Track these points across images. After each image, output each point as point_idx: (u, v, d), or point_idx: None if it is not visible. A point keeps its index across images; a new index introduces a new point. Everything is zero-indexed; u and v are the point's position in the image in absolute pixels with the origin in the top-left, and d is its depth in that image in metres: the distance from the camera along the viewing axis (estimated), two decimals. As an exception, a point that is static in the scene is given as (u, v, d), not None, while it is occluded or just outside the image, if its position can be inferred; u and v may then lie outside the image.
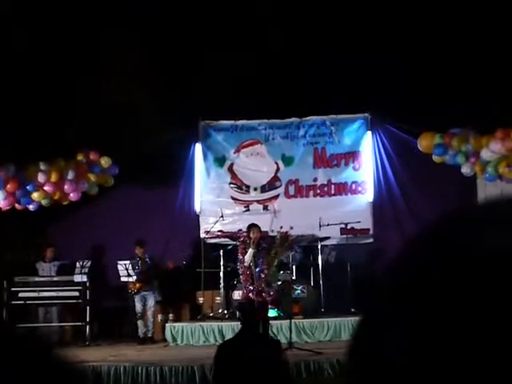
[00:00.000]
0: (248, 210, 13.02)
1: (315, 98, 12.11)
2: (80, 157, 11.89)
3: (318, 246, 11.93)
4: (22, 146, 11.18)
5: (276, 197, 13.04)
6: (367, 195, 12.81)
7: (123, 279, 11.62)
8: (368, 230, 12.60)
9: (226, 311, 11.47)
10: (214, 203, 12.99)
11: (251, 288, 9.49)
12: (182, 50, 11.63)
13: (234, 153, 13.21)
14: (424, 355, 0.58)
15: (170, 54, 11.67)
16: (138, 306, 11.59)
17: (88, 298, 11.36)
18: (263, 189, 13.11)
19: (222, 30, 11.06)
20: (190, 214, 13.02)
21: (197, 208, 13.06)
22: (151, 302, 11.63)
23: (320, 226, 12.09)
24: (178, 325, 11.23)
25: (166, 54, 11.67)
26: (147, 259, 11.77)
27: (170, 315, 11.78)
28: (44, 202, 11.59)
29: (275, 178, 13.11)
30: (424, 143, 11.64)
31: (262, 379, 2.11)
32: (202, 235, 12.65)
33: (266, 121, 13.12)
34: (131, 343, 11.15)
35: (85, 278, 11.31)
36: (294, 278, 11.46)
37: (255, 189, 13.11)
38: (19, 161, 11.30)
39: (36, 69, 11.14)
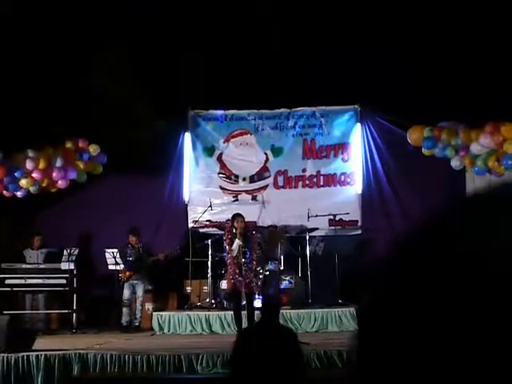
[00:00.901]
0: (237, 200, 13.02)
1: (305, 89, 12.11)
2: (68, 144, 11.83)
3: (306, 237, 11.94)
4: (11, 133, 11.11)
5: (265, 187, 13.03)
6: (356, 187, 12.82)
7: (111, 267, 11.61)
8: (356, 221, 12.63)
9: (213, 301, 11.49)
10: (202, 193, 12.98)
11: (240, 279, 9.47)
12: (173, 40, 11.60)
13: (224, 142, 13.18)
14: (425, 353, 0.57)
15: (159, 43, 11.63)
16: (126, 293, 11.54)
17: (75, 285, 11.30)
18: (252, 179, 13.10)
19: (217, 26, 11.09)
20: (179, 204, 13.00)
21: (185, 197, 13.05)
22: (140, 291, 11.60)
23: (308, 217, 12.10)
24: (165, 314, 11.22)
25: (155, 44, 11.63)
26: (140, 248, 11.75)
27: (156, 304, 11.77)
28: (32, 189, 11.53)
29: (264, 169, 13.10)
30: (413, 136, 11.64)
31: (279, 367, 2.17)
32: (191, 225, 12.64)
33: (255, 111, 13.10)
34: (117, 331, 11.13)
35: (72, 266, 11.26)
36: (281, 268, 11.50)
37: (244, 179, 13.10)
38: (7, 147, 11.23)
39: (25, 58, 11.08)
